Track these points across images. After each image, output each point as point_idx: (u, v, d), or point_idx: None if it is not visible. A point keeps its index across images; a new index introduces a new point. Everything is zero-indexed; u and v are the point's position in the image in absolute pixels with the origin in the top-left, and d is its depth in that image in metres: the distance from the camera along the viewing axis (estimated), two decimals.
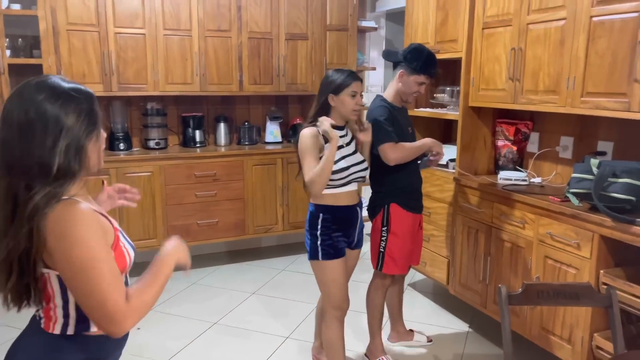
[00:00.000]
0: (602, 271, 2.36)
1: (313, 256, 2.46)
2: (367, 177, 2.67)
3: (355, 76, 2.41)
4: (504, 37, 2.92)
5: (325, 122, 2.31)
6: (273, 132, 4.53)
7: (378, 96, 2.75)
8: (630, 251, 2.32)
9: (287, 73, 4.34)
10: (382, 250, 2.72)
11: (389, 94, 2.72)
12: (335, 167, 2.36)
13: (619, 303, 1.91)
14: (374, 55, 5.02)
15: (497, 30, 2.98)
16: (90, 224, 1.15)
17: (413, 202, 2.77)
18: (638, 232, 2.16)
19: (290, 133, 4.58)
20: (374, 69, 4.90)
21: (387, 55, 2.85)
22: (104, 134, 1.29)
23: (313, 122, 2.41)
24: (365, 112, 2.78)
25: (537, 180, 3.07)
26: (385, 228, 2.70)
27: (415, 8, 3.67)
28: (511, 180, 3.02)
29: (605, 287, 2.23)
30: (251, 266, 4.36)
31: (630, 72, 2.25)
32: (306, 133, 2.36)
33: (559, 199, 2.58)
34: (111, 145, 4.07)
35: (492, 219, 2.98)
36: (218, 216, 4.15)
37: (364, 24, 4.70)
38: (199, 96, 4.28)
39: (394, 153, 2.57)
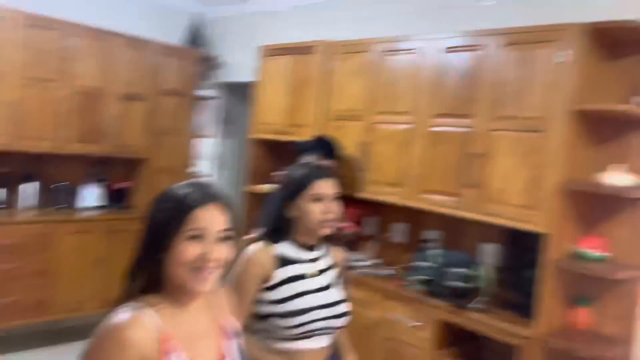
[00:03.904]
0: (438, 352, 2.63)
1: None
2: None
3: (318, 172, 1.69)
4: (353, 130, 3.18)
5: None
6: (94, 194, 4.04)
7: None
8: (462, 332, 2.64)
9: (117, 133, 3.98)
10: None
11: None
12: (288, 307, 1.59)
13: None
14: (208, 124, 4.96)
15: (346, 123, 3.23)
16: (113, 345, 1.03)
17: None
18: (469, 316, 2.49)
19: (114, 197, 4.16)
20: (210, 136, 4.84)
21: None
22: None
23: (267, 236, 1.68)
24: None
25: (376, 262, 3.30)
26: None
27: (268, 87, 3.69)
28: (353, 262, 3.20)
29: None
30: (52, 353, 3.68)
31: (461, 176, 2.66)
32: (249, 254, 1.63)
33: (402, 283, 2.83)
34: None
35: None
36: (16, 294, 3.45)
37: (202, 92, 4.64)
38: (3, 151, 3.60)
39: None
